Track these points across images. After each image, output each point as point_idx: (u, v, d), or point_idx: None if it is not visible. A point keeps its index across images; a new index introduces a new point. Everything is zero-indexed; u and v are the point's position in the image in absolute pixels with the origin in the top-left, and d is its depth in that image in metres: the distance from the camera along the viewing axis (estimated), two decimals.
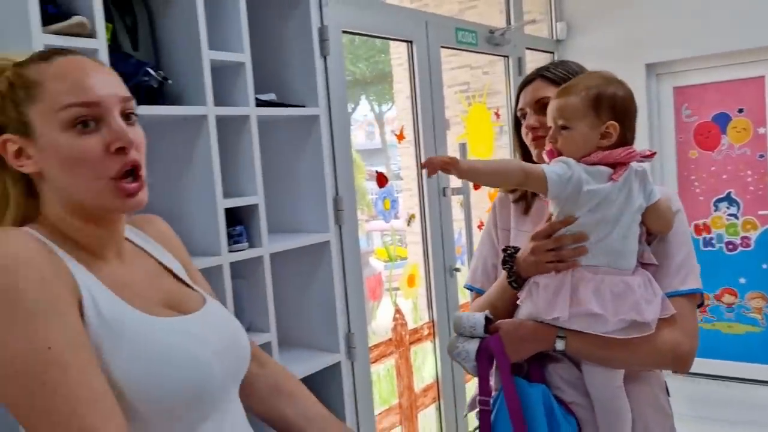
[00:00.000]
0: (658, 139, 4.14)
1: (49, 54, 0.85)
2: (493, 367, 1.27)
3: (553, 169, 1.19)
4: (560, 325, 1.20)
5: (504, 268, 1.29)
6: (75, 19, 1.22)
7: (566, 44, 4.30)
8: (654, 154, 1.23)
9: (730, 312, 4.04)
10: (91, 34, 1.26)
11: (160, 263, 0.98)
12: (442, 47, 3.25)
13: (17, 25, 1.19)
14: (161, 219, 1.06)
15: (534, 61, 4.20)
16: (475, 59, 4.17)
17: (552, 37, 4.30)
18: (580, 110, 1.21)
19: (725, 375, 4.01)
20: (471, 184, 3.30)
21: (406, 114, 4.87)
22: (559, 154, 1.24)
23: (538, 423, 1.20)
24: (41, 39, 1.19)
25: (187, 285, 1.00)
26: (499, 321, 1.28)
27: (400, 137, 3.04)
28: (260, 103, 1.68)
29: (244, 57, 1.60)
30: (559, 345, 1.21)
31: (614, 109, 1.21)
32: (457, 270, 3.10)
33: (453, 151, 3.25)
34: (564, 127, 1.22)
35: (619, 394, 1.23)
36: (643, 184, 1.23)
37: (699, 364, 4.33)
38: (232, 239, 1.58)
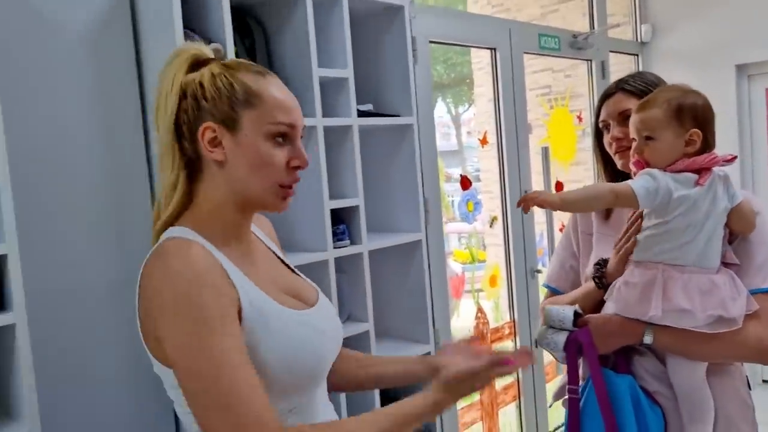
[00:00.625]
0: (749, 140, 4.03)
1: (261, 70, 1.02)
2: (580, 359, 1.35)
3: (640, 184, 1.23)
4: (651, 321, 1.26)
5: (594, 276, 1.37)
6: (213, 46, 1.41)
7: (651, 46, 4.26)
8: (735, 158, 1.28)
9: None
10: (223, 58, 1.45)
11: (275, 254, 1.16)
12: (525, 53, 3.33)
13: (167, 53, 1.40)
14: (266, 218, 1.23)
15: (617, 63, 4.19)
16: (557, 62, 4.20)
17: (636, 40, 4.27)
18: (663, 121, 1.26)
19: None
20: (553, 188, 3.36)
21: (488, 117, 4.95)
22: (647, 164, 1.29)
23: (625, 411, 1.25)
24: None
25: (298, 275, 1.17)
26: (587, 315, 1.34)
27: (484, 141, 3.14)
28: (360, 114, 1.84)
29: (347, 72, 1.76)
30: (647, 339, 1.27)
31: (695, 117, 1.27)
32: (539, 272, 3.16)
33: (535, 154, 3.31)
34: (649, 138, 1.28)
35: (703, 386, 1.28)
36: (726, 187, 1.27)
37: None
38: (336, 237, 1.75)
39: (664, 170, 1.26)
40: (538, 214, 3.36)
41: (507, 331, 3.19)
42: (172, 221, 0.99)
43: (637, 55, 4.29)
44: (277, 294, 1.01)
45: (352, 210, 1.79)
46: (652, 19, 4.26)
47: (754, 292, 1.26)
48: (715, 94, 4.42)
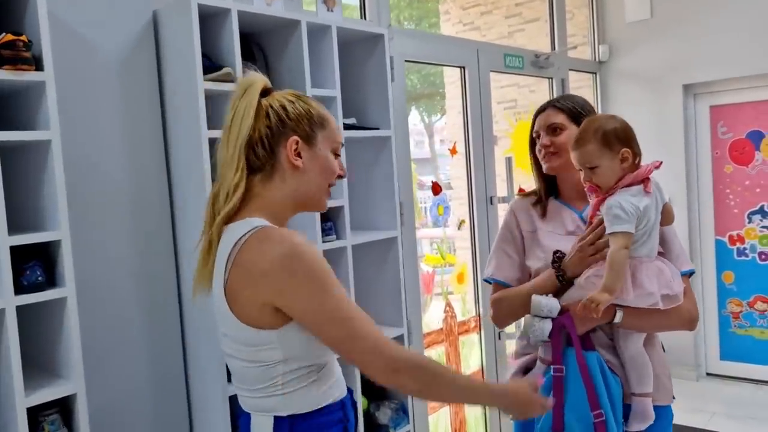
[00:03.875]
0: (694, 155, 4.40)
1: (318, 102, 1.31)
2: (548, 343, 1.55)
3: (618, 225, 1.46)
4: (623, 303, 1.49)
5: (554, 266, 1.58)
6: (225, 70, 1.71)
7: (608, 66, 4.61)
8: (661, 163, 1.55)
9: (763, 318, 4.27)
10: (233, 80, 1.74)
11: None
12: (492, 71, 3.66)
13: (186, 74, 1.69)
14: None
15: (578, 80, 4.53)
16: (523, 78, 4.52)
17: (594, 59, 4.62)
18: (597, 151, 1.50)
19: (758, 378, 4.23)
20: (515, 194, 3.67)
21: (457, 129, 5.27)
22: (598, 187, 1.54)
23: (597, 381, 1.50)
24: (203, 85, 1.69)
25: None
26: (567, 303, 1.54)
27: (453, 151, 3.45)
28: (346, 127, 2.14)
29: (336, 92, 2.06)
30: (618, 318, 1.51)
31: (619, 138, 1.51)
32: None
33: (499, 164, 3.62)
34: (592, 167, 1.52)
35: (644, 353, 1.56)
36: (659, 190, 1.54)
37: (733, 368, 4.55)
38: (324, 232, 2.04)
39: (616, 186, 1.50)
40: (502, 217, 3.65)
41: (473, 325, 3.47)
42: (234, 214, 1.21)
43: (595, 73, 4.64)
44: None
45: (338, 209, 2.08)
46: (609, 40, 4.61)
47: None
48: (665, 111, 4.91)
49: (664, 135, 4.28)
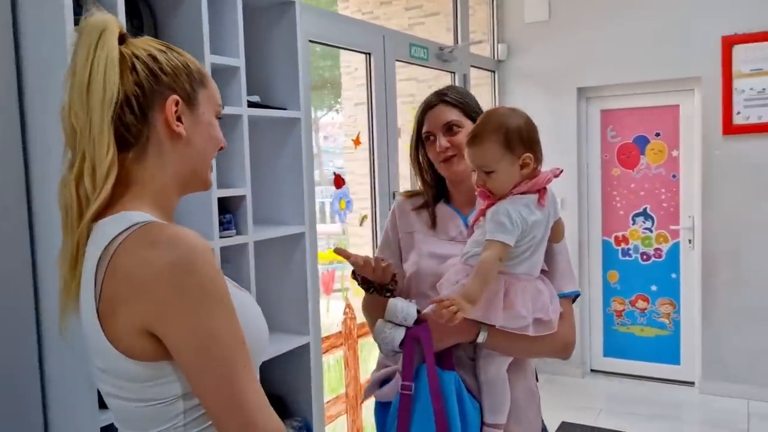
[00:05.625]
0: (586, 157, 4.52)
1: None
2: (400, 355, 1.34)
3: (500, 233, 1.28)
4: (488, 322, 1.31)
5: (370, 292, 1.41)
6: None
7: (506, 65, 4.62)
8: (562, 171, 1.39)
9: (643, 317, 4.46)
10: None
11: None
12: (397, 60, 3.48)
13: (55, 24, 1.32)
14: None
15: (477, 77, 4.50)
16: (422, 72, 4.42)
17: (494, 58, 4.61)
18: (497, 154, 1.30)
19: (637, 374, 4.41)
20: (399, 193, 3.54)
21: (353, 121, 5.06)
22: (491, 192, 1.34)
23: (451, 405, 1.31)
24: (73, 36, 1.32)
25: None
26: (424, 312, 1.36)
27: (357, 142, 3.23)
28: (250, 105, 1.85)
29: (239, 62, 1.76)
30: (481, 338, 1.32)
31: (523, 140, 1.31)
32: None
33: (404, 157, 3.47)
34: (488, 172, 1.32)
35: (505, 380, 1.38)
36: (554, 204, 1.37)
37: (615, 364, 4.70)
38: (222, 226, 1.74)
39: (510, 192, 1.32)
40: None
41: None
42: (107, 206, 0.91)
43: (494, 71, 4.63)
44: None
45: (240, 200, 1.78)
46: (508, 39, 4.62)
47: (559, 296, 1.39)
48: (560, 113, 4.97)
49: (559, 136, 4.34)
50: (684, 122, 4.20)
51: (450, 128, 1.45)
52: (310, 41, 2.77)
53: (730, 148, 3.93)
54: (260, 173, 1.99)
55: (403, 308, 1.32)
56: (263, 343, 1.01)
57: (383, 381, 1.46)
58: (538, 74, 4.52)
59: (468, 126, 1.43)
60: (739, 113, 3.90)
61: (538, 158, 1.34)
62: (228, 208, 1.77)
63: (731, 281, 3.97)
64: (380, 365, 1.53)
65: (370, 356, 3.37)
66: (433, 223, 1.49)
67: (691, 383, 4.22)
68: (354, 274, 1.43)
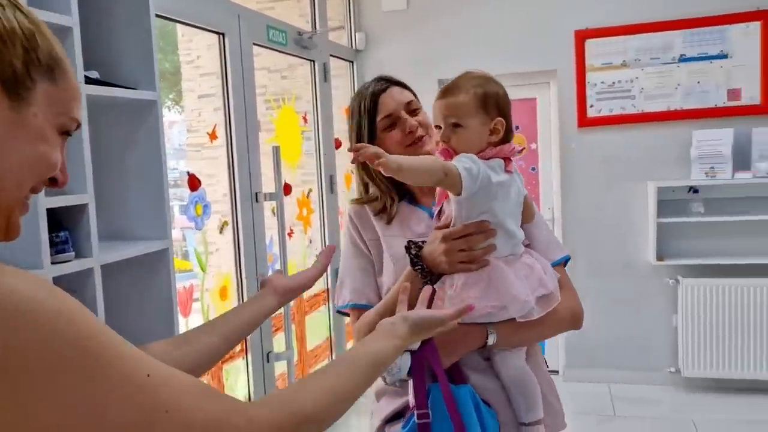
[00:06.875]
0: None
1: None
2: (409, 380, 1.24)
3: (462, 165, 1.17)
4: (493, 320, 1.23)
5: (415, 269, 1.25)
6: None
7: (365, 55, 4.39)
8: (524, 149, 1.31)
9: None
10: None
11: None
12: (254, 44, 3.08)
13: None
14: None
15: (337, 68, 4.21)
16: (273, 62, 4.04)
17: (351, 47, 4.35)
18: (471, 108, 1.23)
19: None
20: (282, 189, 3.16)
21: (197, 115, 4.53)
22: (455, 151, 1.24)
23: (470, 421, 1.22)
24: None
25: None
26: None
27: (213, 137, 2.78)
28: (87, 81, 1.37)
29: (72, 21, 1.28)
30: (491, 339, 1.24)
31: (498, 105, 1.26)
32: None
33: (265, 154, 3.07)
34: (456, 125, 1.24)
35: (528, 371, 1.30)
36: (520, 178, 1.31)
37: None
38: (55, 248, 1.25)
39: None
40: (269, 218, 3.13)
41: (238, 348, 2.88)
42: None
43: (353, 61, 4.37)
44: None
45: (79, 211, 1.30)
46: (365, 28, 4.39)
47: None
48: (422, 105, 4.76)
49: None
50: (541, 115, 4.25)
51: (413, 110, 1.39)
52: (157, 16, 2.30)
53: (585, 140, 4.03)
54: (106, 174, 1.51)
55: (391, 366, 1.18)
56: None
57: (396, 415, 1.34)
58: (398, 66, 4.32)
59: (423, 108, 1.40)
60: (592, 106, 4.01)
61: (509, 129, 1.27)
62: (63, 223, 1.29)
63: (589, 270, 4.08)
64: (380, 395, 1.40)
65: (236, 382, 2.96)
66: (389, 222, 1.41)
67: (556, 372, 4.29)
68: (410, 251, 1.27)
